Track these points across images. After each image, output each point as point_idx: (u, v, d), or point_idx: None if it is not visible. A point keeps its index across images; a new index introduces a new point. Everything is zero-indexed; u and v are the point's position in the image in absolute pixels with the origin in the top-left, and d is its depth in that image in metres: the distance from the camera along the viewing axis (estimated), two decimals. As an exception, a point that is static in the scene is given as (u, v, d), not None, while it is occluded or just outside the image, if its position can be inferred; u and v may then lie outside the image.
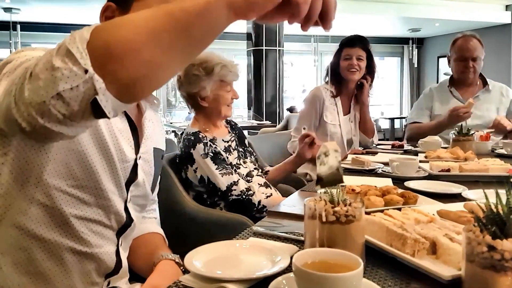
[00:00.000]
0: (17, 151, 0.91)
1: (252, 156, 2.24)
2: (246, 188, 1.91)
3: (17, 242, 0.97)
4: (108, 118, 0.67)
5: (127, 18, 0.69)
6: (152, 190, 1.25)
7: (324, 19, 0.74)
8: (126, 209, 1.12)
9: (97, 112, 0.66)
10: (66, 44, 0.64)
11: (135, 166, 1.12)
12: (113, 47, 0.63)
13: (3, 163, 0.92)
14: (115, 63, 0.63)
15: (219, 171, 1.89)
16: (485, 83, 3.24)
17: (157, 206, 1.44)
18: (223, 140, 2.08)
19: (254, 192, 1.92)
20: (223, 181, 1.88)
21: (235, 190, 1.89)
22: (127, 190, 1.12)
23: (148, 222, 1.36)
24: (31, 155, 0.92)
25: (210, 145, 1.95)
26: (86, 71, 0.62)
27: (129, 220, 1.14)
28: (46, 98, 0.64)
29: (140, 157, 1.14)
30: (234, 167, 2.02)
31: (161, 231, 1.37)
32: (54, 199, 0.96)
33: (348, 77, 2.88)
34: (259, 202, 1.90)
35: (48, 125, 0.67)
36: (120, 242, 1.14)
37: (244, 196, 1.89)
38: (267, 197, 1.96)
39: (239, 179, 1.92)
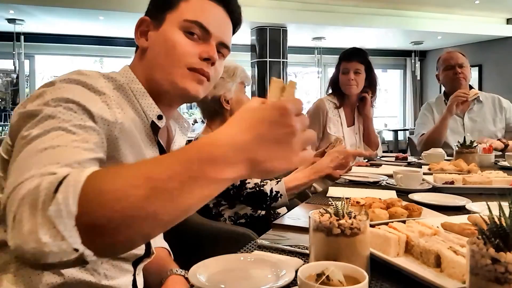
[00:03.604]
0: None
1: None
2: (260, 180, 1.89)
3: (34, 277, 0.91)
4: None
5: (109, 189, 0.62)
6: None
7: None
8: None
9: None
10: (50, 214, 0.60)
11: None
12: (101, 227, 0.61)
13: None
14: (105, 238, 0.62)
15: None
16: None
17: None
18: None
19: (266, 183, 1.89)
20: None
21: (249, 183, 1.87)
22: None
23: None
24: None
25: None
26: (76, 250, 0.60)
27: (148, 251, 1.12)
28: (35, 260, 0.62)
29: None
30: None
31: (165, 245, 1.36)
32: None
33: (346, 91, 2.90)
34: (271, 190, 1.87)
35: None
36: (136, 272, 1.11)
37: (257, 188, 1.87)
38: (278, 182, 1.92)
39: None
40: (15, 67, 8.93)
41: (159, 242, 1.34)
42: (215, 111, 2.07)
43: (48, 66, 11.09)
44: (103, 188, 0.62)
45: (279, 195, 1.86)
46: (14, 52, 8.67)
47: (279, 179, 1.92)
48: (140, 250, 1.09)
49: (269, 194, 1.87)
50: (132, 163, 0.67)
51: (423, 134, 3.24)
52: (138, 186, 0.61)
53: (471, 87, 3.26)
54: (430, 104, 3.41)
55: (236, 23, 1.14)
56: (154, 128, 1.06)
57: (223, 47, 1.10)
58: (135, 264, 1.10)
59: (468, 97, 3.02)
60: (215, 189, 0.64)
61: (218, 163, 0.62)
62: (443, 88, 3.40)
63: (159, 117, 1.05)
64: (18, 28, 8.52)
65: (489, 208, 0.70)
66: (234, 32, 1.16)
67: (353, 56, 2.88)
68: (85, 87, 0.89)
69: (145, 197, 0.60)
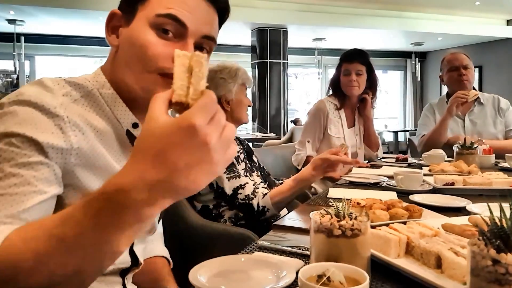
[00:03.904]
0: None
1: (259, 171, 2.22)
2: (252, 192, 1.88)
3: None
4: None
5: (23, 258, 0.60)
6: (159, 219, 1.16)
7: None
8: (131, 251, 1.02)
9: None
10: None
11: None
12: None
13: None
14: None
15: (226, 174, 1.88)
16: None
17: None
18: None
19: (255, 196, 1.88)
20: (229, 185, 1.87)
21: (240, 194, 1.87)
22: None
23: (152, 239, 1.26)
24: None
25: None
26: None
27: (135, 262, 1.04)
28: None
29: None
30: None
31: (164, 252, 1.29)
32: None
33: (348, 93, 2.90)
34: (258, 204, 1.87)
35: None
36: (125, 281, 1.05)
37: (247, 201, 1.87)
38: (264, 195, 1.89)
39: (246, 183, 1.90)
40: (15, 68, 8.96)
41: (158, 250, 1.27)
42: None
43: (49, 67, 11.09)
44: (16, 258, 0.60)
45: (266, 209, 1.86)
46: (14, 53, 8.70)
47: (265, 193, 1.90)
48: (125, 263, 1.01)
49: (256, 209, 1.87)
50: (46, 219, 0.64)
51: (424, 135, 3.25)
52: (53, 249, 0.59)
53: (473, 88, 3.27)
54: (432, 105, 3.41)
55: (222, 11, 0.98)
56: (130, 136, 0.96)
57: (207, 40, 0.94)
58: (123, 274, 1.04)
59: (468, 98, 3.03)
60: (141, 227, 0.61)
61: (133, 208, 0.58)
62: (443, 89, 3.42)
63: (134, 125, 0.96)
64: (18, 28, 8.54)
65: (489, 209, 0.70)
66: (223, 21, 1.01)
67: (354, 57, 2.88)
68: (36, 109, 0.80)
69: (61, 259, 0.59)
